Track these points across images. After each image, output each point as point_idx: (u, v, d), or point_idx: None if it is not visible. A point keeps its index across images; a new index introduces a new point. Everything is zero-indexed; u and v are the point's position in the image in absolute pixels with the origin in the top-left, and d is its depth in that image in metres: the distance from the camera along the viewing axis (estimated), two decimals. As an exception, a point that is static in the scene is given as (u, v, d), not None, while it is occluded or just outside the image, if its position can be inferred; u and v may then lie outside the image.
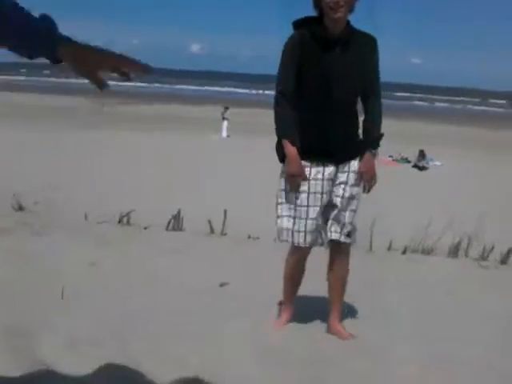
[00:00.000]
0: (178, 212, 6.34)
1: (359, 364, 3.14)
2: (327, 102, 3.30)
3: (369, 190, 3.50)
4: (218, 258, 5.21)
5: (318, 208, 3.37)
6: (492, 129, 34.22)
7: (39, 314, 3.44)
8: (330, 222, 3.44)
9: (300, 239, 3.39)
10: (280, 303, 3.78)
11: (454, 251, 6.09)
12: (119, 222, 6.36)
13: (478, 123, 38.37)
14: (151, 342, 3.14)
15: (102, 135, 19.21)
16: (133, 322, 3.47)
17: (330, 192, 3.41)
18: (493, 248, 5.96)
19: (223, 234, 6.22)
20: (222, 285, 4.41)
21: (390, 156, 18.86)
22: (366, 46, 3.38)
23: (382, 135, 3.50)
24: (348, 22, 3.32)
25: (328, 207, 3.43)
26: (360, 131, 3.50)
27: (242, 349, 3.22)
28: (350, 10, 3.27)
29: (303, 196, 3.36)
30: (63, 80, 69.30)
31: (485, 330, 3.83)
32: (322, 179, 3.37)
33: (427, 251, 6.07)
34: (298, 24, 3.34)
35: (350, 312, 3.82)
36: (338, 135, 3.35)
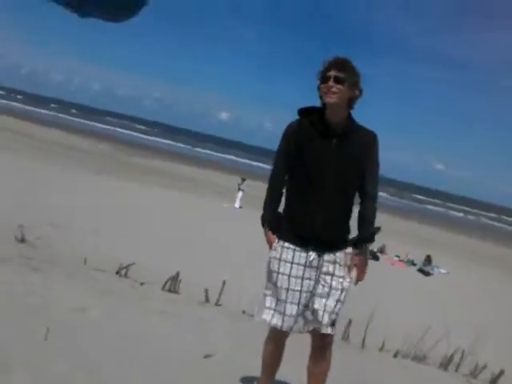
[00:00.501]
0: (177, 274, 6.30)
1: None
2: (317, 191, 3.29)
3: (356, 283, 3.46)
4: (207, 329, 5.13)
5: (297, 293, 3.32)
6: (503, 246, 34.11)
7: (19, 351, 3.39)
8: (314, 311, 3.36)
9: (278, 322, 3.35)
10: None
11: (446, 363, 5.97)
12: (117, 272, 6.33)
13: (489, 238, 38.29)
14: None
15: (115, 183, 19.36)
16: (111, 375, 3.40)
17: (315, 280, 3.35)
18: (485, 367, 5.84)
19: (218, 304, 6.15)
20: (206, 356, 4.33)
21: (397, 256, 18.78)
22: (363, 140, 3.35)
23: (378, 229, 3.47)
24: (349, 115, 3.34)
25: (313, 296, 3.37)
26: (348, 224, 3.46)
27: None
28: (350, 106, 3.31)
29: (284, 278, 3.34)
30: (89, 122, 70.57)
31: None
32: (305, 265, 3.34)
33: (419, 358, 5.96)
34: (302, 111, 3.39)
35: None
36: (326, 224, 3.31)
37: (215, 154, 72.27)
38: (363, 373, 4.85)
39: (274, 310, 3.36)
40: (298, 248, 3.35)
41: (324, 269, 3.36)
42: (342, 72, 3.22)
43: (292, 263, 3.35)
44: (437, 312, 9.58)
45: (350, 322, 5.99)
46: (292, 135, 3.34)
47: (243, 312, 6.07)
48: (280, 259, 3.38)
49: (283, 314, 3.34)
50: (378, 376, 5.02)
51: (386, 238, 20.75)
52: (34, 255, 6.10)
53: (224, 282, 6.21)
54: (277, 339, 3.48)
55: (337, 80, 3.21)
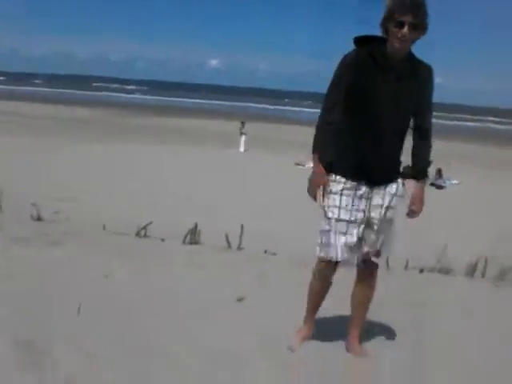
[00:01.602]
0: (195, 226, 6.36)
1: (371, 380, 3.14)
2: (372, 124, 3.28)
3: (412, 216, 3.53)
4: (234, 274, 5.21)
5: (351, 224, 3.37)
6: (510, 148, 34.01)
7: (55, 328, 3.45)
8: (363, 241, 3.44)
9: (328, 253, 3.39)
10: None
11: (471, 271, 6.05)
12: (137, 234, 6.40)
13: (498, 143, 38.13)
14: (168, 358, 3.14)
15: (121, 147, 19.35)
16: (148, 338, 3.47)
17: (365, 211, 3.41)
18: (511, 268, 5.92)
19: (240, 248, 6.23)
20: (239, 300, 4.42)
21: (408, 174, 18.78)
22: (422, 76, 3.33)
23: (429, 163, 3.56)
24: (409, 50, 3.28)
25: (362, 227, 3.42)
26: (399, 157, 3.49)
27: (260, 361, 3.23)
28: (413, 41, 3.25)
29: (335, 210, 3.37)
30: (79, 92, 69.88)
31: (501, 352, 3.81)
32: (354, 196, 3.37)
33: (444, 271, 6.04)
34: (360, 41, 3.27)
35: (367, 330, 3.80)
36: (379, 157, 3.33)
37: (212, 102, 71.70)
38: (391, 291, 4.93)
39: (325, 243, 3.40)
40: (349, 181, 3.37)
41: (374, 201, 3.41)
42: (417, 18, 3.12)
43: (342, 195, 3.37)
44: (455, 224, 9.66)
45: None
46: (349, 67, 3.24)
47: (265, 252, 6.15)
48: (331, 192, 3.39)
49: (334, 245, 3.38)
50: (407, 292, 5.11)
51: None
52: (52, 230, 6.15)
53: (242, 226, 6.26)
54: (325, 275, 3.52)
55: (413, 27, 3.13)
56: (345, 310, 3.69)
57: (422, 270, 6.00)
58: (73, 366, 2.91)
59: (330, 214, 3.38)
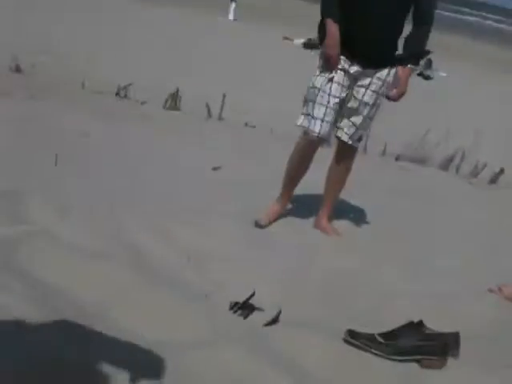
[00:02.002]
0: (177, 91, 6.25)
1: (346, 263, 3.21)
2: (371, 5, 3.21)
3: (396, 98, 3.47)
4: (212, 142, 5.19)
5: (337, 99, 3.32)
6: (508, 48, 33.52)
7: (32, 179, 3.44)
8: (343, 122, 3.43)
9: (316, 126, 3.33)
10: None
11: (446, 164, 6.11)
12: (117, 94, 6.27)
13: (493, 40, 37.46)
14: (141, 216, 3.17)
15: (105, 4, 18.59)
16: (124, 195, 3.48)
17: (350, 89, 3.37)
18: (485, 166, 5.98)
19: (220, 118, 6.16)
20: (214, 168, 4.42)
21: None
22: None
23: (425, 52, 3.44)
24: None
25: (344, 107, 3.39)
26: (396, 44, 3.42)
27: (231, 230, 3.27)
28: None
29: (326, 84, 3.31)
30: None
31: (464, 244, 3.92)
32: (347, 73, 3.32)
33: (420, 160, 6.09)
34: None
35: (340, 210, 3.85)
36: (374, 40, 3.27)
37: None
38: (366, 175, 4.97)
39: (308, 114, 3.36)
40: (343, 57, 3.29)
41: (360, 81, 3.36)
42: None
43: (337, 71, 3.30)
44: (437, 115, 9.65)
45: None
46: None
47: (246, 124, 6.11)
48: (324, 66, 3.33)
49: (322, 119, 3.32)
50: (381, 178, 5.16)
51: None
52: (31, 84, 5.98)
53: (224, 96, 6.16)
54: (305, 150, 3.48)
55: None
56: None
57: (397, 158, 6.04)
58: (48, 218, 2.92)
59: (317, 84, 3.33)
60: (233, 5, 22.90)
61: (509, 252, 3.88)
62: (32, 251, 2.56)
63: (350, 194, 3.90)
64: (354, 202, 4.12)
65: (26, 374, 1.81)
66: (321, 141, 3.41)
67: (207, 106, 6.11)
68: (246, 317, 2.45)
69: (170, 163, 4.34)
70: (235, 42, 15.10)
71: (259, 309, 2.48)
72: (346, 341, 2.35)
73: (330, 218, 3.69)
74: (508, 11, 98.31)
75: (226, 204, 3.68)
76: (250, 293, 2.53)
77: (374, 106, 3.44)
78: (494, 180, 5.94)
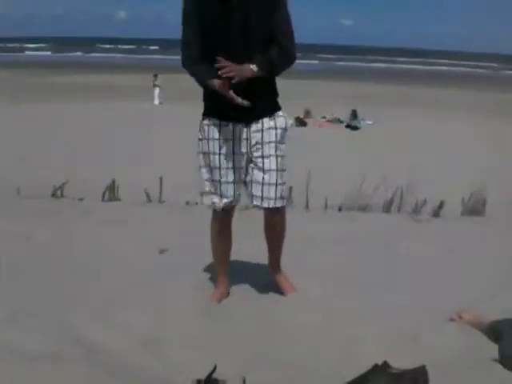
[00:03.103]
0: (113, 182, 6.26)
1: (305, 319, 3.20)
2: (228, 58, 2.97)
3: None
4: (156, 226, 5.18)
5: (230, 170, 3.24)
6: (424, 87, 34.96)
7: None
8: (252, 186, 3.26)
9: (216, 201, 3.29)
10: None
11: (388, 206, 6.25)
12: (53, 195, 6.23)
13: (410, 82, 39.05)
14: (94, 311, 3.11)
15: (31, 108, 18.63)
16: (74, 291, 3.43)
17: (248, 154, 3.24)
18: (425, 201, 6.14)
19: (161, 201, 6.18)
20: (161, 251, 4.40)
21: (323, 117, 19.06)
22: None
23: (275, 65, 3.15)
24: None
25: (251, 170, 3.25)
26: (272, 89, 3.29)
27: (185, 311, 3.23)
28: None
29: (215, 158, 3.24)
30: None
31: (419, 278, 3.98)
32: (233, 139, 3.22)
33: (362, 207, 6.21)
34: None
35: (290, 269, 3.85)
36: (244, 92, 3.04)
37: (119, 55, 69.81)
38: (311, 230, 5.04)
39: (211, 191, 3.30)
40: (223, 122, 3.22)
41: (254, 140, 3.22)
42: None
43: (219, 139, 3.23)
44: (371, 162, 9.90)
45: (290, 188, 6.13)
46: (189, 1, 3.13)
47: (187, 203, 6.13)
48: (208, 138, 3.26)
49: (220, 194, 3.27)
50: (327, 230, 5.23)
51: (308, 102, 20.96)
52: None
53: (161, 178, 6.21)
54: (220, 220, 3.40)
55: None
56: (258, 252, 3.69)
57: (340, 209, 6.15)
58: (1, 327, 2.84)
59: (211, 164, 3.26)
60: (156, 90, 23.36)
61: (460, 280, 3.95)
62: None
63: (297, 251, 3.93)
64: (302, 257, 4.14)
65: None
66: (229, 211, 3.37)
67: (145, 191, 6.12)
68: (211, 392, 2.41)
69: (116, 253, 4.30)
70: (164, 124, 15.29)
71: (223, 381, 2.44)
72: (316, 397, 2.34)
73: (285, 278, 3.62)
74: (416, 52, 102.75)
75: (177, 285, 3.65)
76: (211, 368, 2.49)
77: (278, 157, 3.23)
78: (436, 213, 6.09)
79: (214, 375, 2.47)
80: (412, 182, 6.21)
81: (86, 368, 2.42)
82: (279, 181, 3.25)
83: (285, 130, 3.30)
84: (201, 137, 3.31)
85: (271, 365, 2.66)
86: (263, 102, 3.22)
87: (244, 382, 2.42)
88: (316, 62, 66.69)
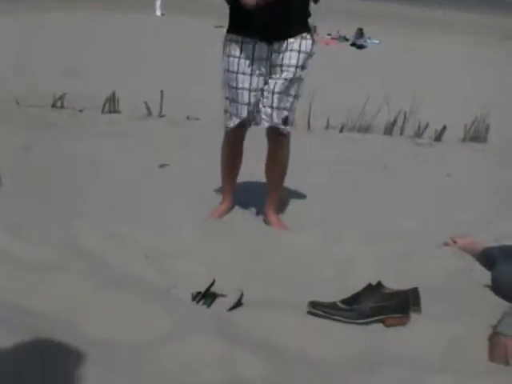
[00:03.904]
0: (113, 94, 6.18)
1: (303, 239, 3.24)
2: None
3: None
4: (156, 140, 5.16)
5: (246, 91, 3.15)
6: (438, 7, 34.09)
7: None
8: (265, 107, 3.16)
9: (228, 121, 3.27)
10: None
11: (390, 128, 6.22)
12: (53, 105, 6.18)
13: (422, 2, 38.06)
14: (94, 223, 3.13)
15: (32, 17, 18.20)
16: (74, 203, 3.45)
17: (265, 74, 3.15)
18: (427, 125, 6.10)
19: (161, 115, 6.13)
20: (161, 166, 4.40)
21: (329, 34, 18.65)
22: None
23: None
24: None
25: (264, 92, 3.16)
26: (302, 7, 3.17)
27: (185, 225, 3.26)
28: None
29: (233, 76, 3.17)
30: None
31: (417, 202, 4.01)
32: (252, 58, 3.12)
33: (364, 129, 6.18)
34: None
35: (290, 189, 3.87)
36: (274, 9, 2.96)
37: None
38: (312, 151, 5.03)
39: (226, 110, 3.26)
40: (245, 39, 3.11)
41: (274, 60, 3.13)
42: None
43: (239, 58, 3.14)
44: (375, 83, 9.76)
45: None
46: None
47: (187, 118, 6.09)
48: (228, 55, 3.18)
49: (232, 113, 3.23)
50: (327, 151, 5.22)
51: (313, 18, 20.38)
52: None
53: (162, 92, 6.13)
54: (232, 140, 3.39)
55: None
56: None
57: (341, 130, 6.11)
58: (2, 237, 2.86)
59: (229, 82, 3.20)
60: (158, 1, 22.71)
61: (457, 206, 3.98)
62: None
63: (298, 171, 3.93)
64: (303, 178, 4.15)
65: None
66: (240, 127, 3.27)
67: (146, 104, 6.07)
68: (209, 305, 2.45)
69: (116, 166, 4.30)
70: (166, 37, 14.99)
71: (221, 295, 2.49)
72: (309, 312, 2.39)
73: (280, 204, 3.59)
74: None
75: (177, 200, 3.67)
76: (210, 282, 2.54)
77: (296, 82, 3.15)
78: (438, 138, 6.07)
79: (213, 289, 2.52)
80: (415, 105, 6.15)
81: (88, 279, 2.46)
82: (286, 105, 3.16)
83: (310, 54, 3.18)
84: (223, 54, 3.23)
85: (268, 281, 2.71)
86: (290, 20, 3.10)
87: (242, 295, 2.47)
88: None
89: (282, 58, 3.12)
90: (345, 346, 2.26)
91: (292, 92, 3.16)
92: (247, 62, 3.14)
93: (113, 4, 24.27)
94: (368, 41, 18.20)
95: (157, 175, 4.23)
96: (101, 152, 4.62)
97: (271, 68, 3.15)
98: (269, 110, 3.15)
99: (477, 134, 6.24)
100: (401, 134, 6.20)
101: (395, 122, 6.24)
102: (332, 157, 5.01)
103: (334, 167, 4.66)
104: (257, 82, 3.16)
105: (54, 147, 4.66)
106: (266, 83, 3.16)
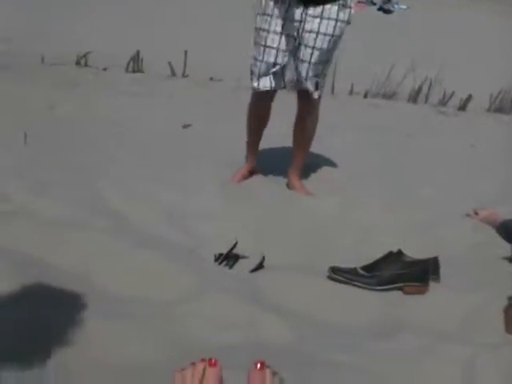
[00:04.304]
0: (137, 53, 6.17)
1: (324, 205, 3.25)
2: None
3: None
4: (180, 100, 5.17)
5: (274, 50, 3.05)
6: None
7: (2, 158, 3.39)
8: (297, 71, 3.10)
9: (254, 83, 3.17)
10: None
11: (415, 96, 6.16)
12: (77, 63, 6.18)
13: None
14: (118, 183, 3.16)
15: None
16: (98, 163, 3.47)
17: (297, 36, 3.04)
18: (453, 94, 6.04)
19: (185, 75, 6.12)
20: (185, 126, 4.41)
21: (356, -3, 18.36)
22: None
23: None
24: None
25: (296, 55, 3.08)
26: None
27: (208, 187, 3.28)
28: None
29: (262, 35, 3.07)
30: None
31: (440, 172, 3.99)
32: (285, 18, 3.01)
33: (388, 95, 6.13)
34: None
35: (313, 155, 3.84)
36: None
37: None
38: (335, 116, 4.99)
39: (252, 71, 3.16)
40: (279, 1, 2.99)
41: (308, 25, 3.01)
42: None
43: (271, 16, 3.03)
44: (402, 49, 9.61)
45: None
46: None
47: (211, 79, 6.07)
48: (261, 13, 3.08)
49: (259, 74, 3.13)
50: (351, 117, 5.20)
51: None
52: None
53: (186, 52, 6.10)
54: (257, 102, 3.31)
55: None
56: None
57: (365, 95, 6.07)
58: (24, 196, 2.90)
59: (258, 40, 3.10)
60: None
61: (484, 176, 3.96)
62: (12, 229, 2.55)
63: (321, 136, 3.91)
64: (326, 143, 4.13)
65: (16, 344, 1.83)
66: (267, 87, 3.16)
67: (170, 64, 6.05)
68: (231, 266, 2.49)
69: (139, 126, 4.32)
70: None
71: (244, 257, 2.53)
72: (329, 277, 2.42)
73: (303, 169, 3.55)
74: None
75: (201, 161, 3.68)
76: (232, 244, 2.57)
77: (327, 49, 3.07)
78: (463, 107, 6.01)
79: (235, 250, 2.55)
80: (441, 73, 6.07)
81: (112, 238, 2.51)
82: (319, 72, 3.10)
83: (346, 23, 3.10)
84: (256, 12, 3.13)
85: (289, 246, 2.74)
86: None
87: (263, 259, 2.50)
88: None
89: (319, 25, 3.02)
90: (363, 312, 2.29)
91: (325, 59, 3.11)
92: (278, 21, 3.03)
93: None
94: (396, 6, 17.90)
95: (180, 135, 4.25)
96: (124, 111, 4.63)
97: (306, 33, 3.03)
98: (303, 76, 3.09)
99: (502, 105, 6.17)
100: (425, 101, 6.14)
101: (420, 89, 6.18)
102: (355, 123, 4.99)
103: (357, 133, 4.64)
104: (286, 42, 3.06)
105: (79, 106, 4.68)
106: (298, 46, 3.06)
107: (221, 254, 2.53)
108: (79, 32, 8.96)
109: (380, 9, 17.49)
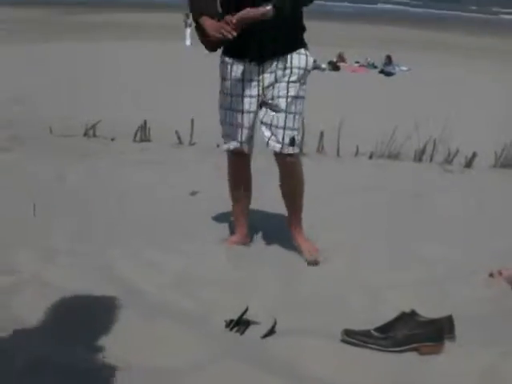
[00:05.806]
0: (144, 122, 6.28)
1: (331, 265, 3.23)
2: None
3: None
4: (187, 168, 5.22)
5: (239, 113, 3.07)
6: (462, 34, 34.05)
7: (12, 230, 3.43)
8: (264, 128, 3.06)
9: (225, 145, 3.23)
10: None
11: (420, 155, 6.20)
12: (85, 134, 6.29)
13: (449, 28, 38.06)
14: (127, 249, 3.18)
15: (61, 46, 18.62)
16: (107, 231, 3.50)
17: (260, 95, 3.04)
18: (457, 152, 6.07)
19: (191, 143, 6.20)
20: (193, 193, 4.44)
21: (357, 62, 18.74)
22: None
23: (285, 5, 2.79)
24: None
25: (262, 114, 3.06)
26: (293, 23, 3.00)
27: (215, 253, 3.29)
28: None
29: (227, 98, 3.12)
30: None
31: (448, 230, 3.97)
32: (243, 80, 3.04)
33: (393, 156, 6.17)
34: None
35: (319, 217, 3.86)
36: (262, 27, 2.82)
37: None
38: (341, 177, 5.03)
39: (223, 133, 3.22)
40: (236, 60, 3.04)
41: (266, 80, 3.00)
42: None
43: (231, 80, 3.07)
44: (404, 110, 9.78)
45: (321, 134, 6.11)
46: None
47: (217, 146, 6.14)
48: (222, 77, 3.13)
49: (229, 136, 3.18)
50: (357, 178, 5.21)
51: (341, 46, 20.57)
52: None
53: (193, 121, 6.21)
54: (234, 164, 3.31)
55: None
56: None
57: (371, 156, 6.11)
58: (35, 266, 2.92)
59: (222, 104, 3.16)
60: (188, 30, 23.05)
61: (491, 234, 3.93)
62: (24, 299, 2.56)
63: (327, 198, 3.93)
64: (332, 204, 4.15)
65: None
66: (239, 150, 3.20)
67: (177, 133, 6.14)
68: (242, 332, 2.46)
69: (147, 194, 4.35)
70: (195, 66, 15.18)
71: (255, 322, 2.50)
72: (343, 340, 2.38)
73: (309, 231, 3.49)
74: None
75: (208, 227, 3.70)
76: (243, 309, 2.55)
77: (294, 99, 3.00)
78: (468, 164, 6.03)
79: (246, 316, 2.52)
80: (445, 132, 6.13)
81: (124, 306, 2.49)
82: (289, 124, 3.01)
83: (305, 70, 3.03)
84: (219, 75, 3.18)
85: (299, 309, 2.70)
86: (280, 37, 2.95)
87: (275, 323, 2.47)
88: (350, 4, 65.14)
89: (276, 76, 2.99)
90: (379, 375, 2.24)
91: (289, 109, 3.01)
92: (239, 83, 3.05)
93: (142, 33, 24.74)
94: (396, 68, 18.22)
95: (188, 202, 4.27)
96: (133, 180, 4.67)
97: (264, 89, 3.02)
98: (266, 136, 3.05)
99: (508, 161, 6.19)
100: (430, 160, 6.17)
101: (425, 148, 6.21)
102: (361, 184, 5.00)
103: (363, 194, 4.65)
104: (249, 103, 3.07)
105: (87, 177, 4.73)
106: (262, 104, 3.05)
107: (231, 320, 2.50)
108: (87, 101, 9.19)
109: (381, 72, 17.82)
